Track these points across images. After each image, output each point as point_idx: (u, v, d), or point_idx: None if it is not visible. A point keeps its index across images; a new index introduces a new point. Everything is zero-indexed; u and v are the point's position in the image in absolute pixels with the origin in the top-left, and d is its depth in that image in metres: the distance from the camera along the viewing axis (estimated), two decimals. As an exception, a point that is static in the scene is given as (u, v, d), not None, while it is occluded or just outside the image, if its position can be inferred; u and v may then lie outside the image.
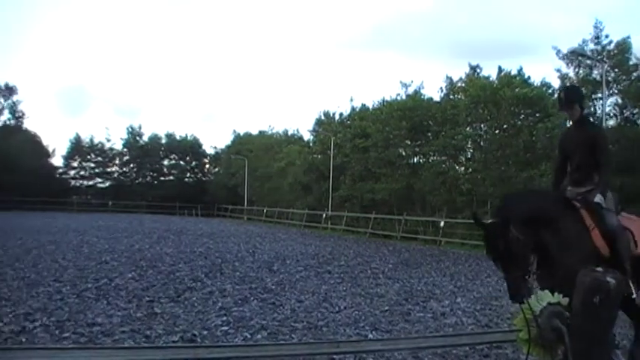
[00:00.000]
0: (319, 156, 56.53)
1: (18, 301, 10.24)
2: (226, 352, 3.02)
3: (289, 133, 78.16)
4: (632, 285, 5.88)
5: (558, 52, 33.73)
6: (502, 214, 6.07)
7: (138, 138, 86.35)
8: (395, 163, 44.66)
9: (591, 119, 7.59)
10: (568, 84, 26.33)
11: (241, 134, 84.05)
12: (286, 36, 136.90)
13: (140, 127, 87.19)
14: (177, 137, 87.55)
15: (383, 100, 52.04)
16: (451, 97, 44.05)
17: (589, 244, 5.94)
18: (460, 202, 35.96)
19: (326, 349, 3.19)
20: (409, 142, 45.75)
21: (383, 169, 44.50)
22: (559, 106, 7.16)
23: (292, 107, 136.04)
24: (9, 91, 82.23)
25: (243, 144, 78.20)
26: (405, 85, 50.04)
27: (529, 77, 39.97)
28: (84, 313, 9.52)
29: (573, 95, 6.97)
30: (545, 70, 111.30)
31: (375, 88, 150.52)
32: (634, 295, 5.86)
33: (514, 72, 40.20)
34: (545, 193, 8.03)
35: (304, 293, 12.44)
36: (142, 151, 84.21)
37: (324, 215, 44.98)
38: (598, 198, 6.25)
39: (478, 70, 43.96)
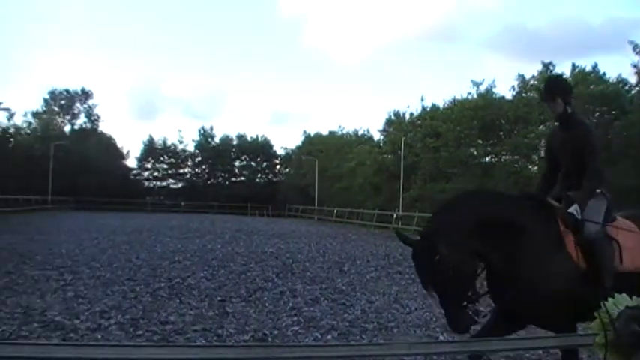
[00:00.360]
0: (389, 156, 56.38)
1: (94, 299, 10.42)
2: (296, 351, 2.98)
3: (359, 133, 78.18)
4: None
5: (635, 46, 32.74)
6: (431, 227, 5.07)
7: (209, 140, 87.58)
8: (466, 163, 44.13)
9: (578, 116, 5.85)
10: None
11: (312, 135, 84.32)
12: (356, 35, 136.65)
13: (212, 129, 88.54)
14: (249, 139, 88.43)
15: (454, 99, 51.70)
16: (523, 95, 43.37)
17: (562, 256, 5.11)
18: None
19: (396, 349, 3.12)
20: (481, 142, 45.24)
21: (454, 169, 44.02)
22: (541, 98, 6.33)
23: (362, 107, 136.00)
24: (85, 95, 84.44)
25: (313, 145, 78.45)
26: (477, 84, 49.60)
27: (604, 73, 39.01)
28: (157, 312, 9.63)
29: (554, 87, 5.97)
30: (622, 66, 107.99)
31: (446, 87, 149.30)
32: None
33: (588, 68, 39.32)
34: (500, 195, 6.63)
35: (375, 294, 12.34)
36: (214, 152, 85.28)
37: (394, 216, 44.58)
38: (573, 209, 5.38)
39: (551, 68, 43.11)
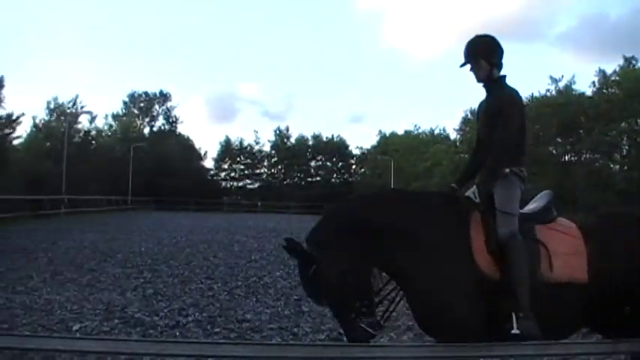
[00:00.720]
0: (466, 155, 55.68)
1: (172, 297, 10.59)
2: (376, 352, 2.96)
3: (435, 132, 77.59)
4: (514, 316, 4.21)
5: None
6: (315, 233, 4.55)
7: (285, 140, 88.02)
8: (545, 162, 43.29)
9: (505, 81, 4.88)
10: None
11: (387, 134, 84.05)
12: (432, 32, 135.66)
13: (288, 129, 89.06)
14: (324, 138, 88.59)
15: (532, 96, 50.64)
16: (604, 91, 42.30)
17: (466, 263, 4.35)
18: (615, 202, 34.35)
19: (470, 351, 3.07)
20: (559, 140, 44.31)
21: (532, 168, 43.18)
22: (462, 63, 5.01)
23: (438, 105, 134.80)
24: (163, 97, 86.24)
25: (389, 144, 78.30)
26: (555, 81, 48.60)
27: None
28: (234, 310, 9.71)
29: (475, 47, 4.94)
30: None
31: (524, 84, 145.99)
32: (514, 330, 4.17)
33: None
34: (402, 194, 5.59)
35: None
36: (290, 152, 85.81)
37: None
38: (470, 191, 4.68)
39: (633, 62, 41.92)
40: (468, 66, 4.92)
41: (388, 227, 4.46)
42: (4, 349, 3.62)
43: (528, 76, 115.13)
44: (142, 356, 5.83)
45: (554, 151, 45.76)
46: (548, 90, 49.05)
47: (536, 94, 50.76)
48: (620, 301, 4.40)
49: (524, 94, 57.82)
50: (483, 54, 4.86)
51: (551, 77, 50.20)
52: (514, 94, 4.90)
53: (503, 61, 4.99)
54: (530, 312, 4.22)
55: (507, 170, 4.68)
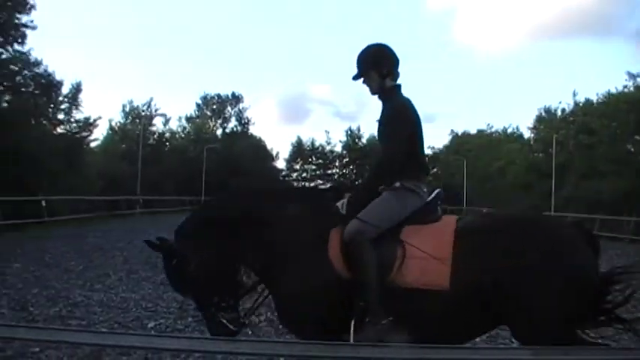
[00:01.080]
0: (540, 154, 54.94)
1: (245, 297, 10.67)
2: (462, 353, 2.91)
3: (508, 131, 76.52)
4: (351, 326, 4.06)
5: None
6: (180, 225, 4.63)
7: (357, 140, 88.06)
8: (623, 160, 42.19)
9: (397, 91, 4.75)
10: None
11: (459, 134, 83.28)
12: (504, 29, 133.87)
13: (359, 129, 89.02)
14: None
15: (608, 93, 49.40)
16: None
17: (322, 262, 4.22)
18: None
19: (546, 354, 2.98)
20: (638, 138, 43.13)
21: (609, 167, 42.15)
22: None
23: (511, 104, 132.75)
24: (235, 99, 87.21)
25: (461, 144, 77.55)
26: (633, 76, 47.20)
27: None
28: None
29: (364, 59, 4.72)
30: None
31: (600, 81, 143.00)
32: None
33: None
34: (270, 190, 5.37)
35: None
36: (361, 152, 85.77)
37: (546, 216, 42.95)
38: (340, 202, 4.47)
39: None
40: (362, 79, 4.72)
41: (250, 224, 4.45)
42: (83, 344, 3.71)
43: (604, 71, 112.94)
44: (214, 354, 5.90)
45: (632, 150, 44.65)
46: (625, 86, 47.93)
47: (613, 90, 49.83)
48: (489, 311, 4.07)
49: (600, 89, 56.60)
50: (373, 65, 4.66)
51: (628, 73, 48.98)
52: (403, 104, 4.65)
53: (399, 70, 4.76)
54: (379, 317, 4.01)
55: (397, 184, 4.49)
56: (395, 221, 4.33)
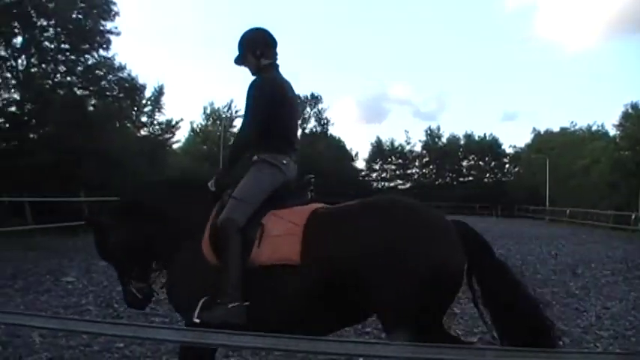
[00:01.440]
0: (627, 152, 53.34)
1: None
2: (530, 355, 2.94)
3: (593, 128, 74.74)
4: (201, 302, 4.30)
5: None
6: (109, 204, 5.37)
7: (437, 140, 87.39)
8: None
9: (269, 69, 5.05)
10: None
11: (542, 132, 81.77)
12: (587, 24, 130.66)
13: (439, 129, 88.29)
14: (476, 137, 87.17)
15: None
16: None
17: (196, 249, 4.47)
18: None
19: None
20: None
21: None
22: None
23: (596, 101, 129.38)
24: (314, 100, 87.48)
25: (543, 142, 76.13)
26: None
27: None
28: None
29: (242, 41, 5.07)
30: None
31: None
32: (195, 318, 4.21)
33: None
34: (175, 179, 6.04)
35: (611, 299, 11.73)
36: (441, 152, 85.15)
37: (632, 216, 41.78)
38: (209, 183, 4.78)
39: None
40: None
41: (149, 210, 4.87)
42: (165, 341, 3.89)
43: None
44: (295, 353, 6.04)
45: None
46: None
47: None
48: (345, 291, 4.09)
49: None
50: (248, 48, 4.99)
51: None
52: (262, 81, 4.88)
53: (278, 50, 5.13)
54: (231, 299, 4.15)
55: (255, 157, 4.75)
56: (263, 192, 4.61)
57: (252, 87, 4.81)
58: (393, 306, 4.03)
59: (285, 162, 4.80)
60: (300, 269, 4.13)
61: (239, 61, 5.09)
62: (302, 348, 3.17)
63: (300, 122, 5.26)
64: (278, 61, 5.12)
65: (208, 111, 76.50)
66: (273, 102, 4.77)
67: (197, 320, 4.16)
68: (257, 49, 4.97)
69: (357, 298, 4.11)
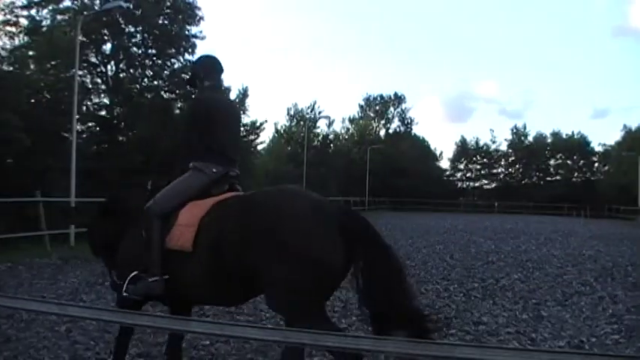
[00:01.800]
0: None
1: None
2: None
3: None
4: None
5: None
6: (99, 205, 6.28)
7: (523, 138, 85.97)
8: None
9: (207, 88, 5.96)
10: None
11: (633, 129, 79.22)
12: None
13: (525, 127, 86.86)
14: (564, 135, 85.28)
15: None
16: None
17: (136, 236, 5.29)
18: None
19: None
20: None
21: None
22: None
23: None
24: (398, 100, 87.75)
25: (635, 140, 73.64)
26: None
27: None
28: (470, 312, 9.63)
29: (192, 67, 6.28)
30: None
31: None
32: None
33: None
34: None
35: None
36: (528, 151, 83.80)
37: None
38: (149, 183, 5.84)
39: None
40: None
41: (120, 211, 5.70)
42: (250, 339, 3.92)
43: None
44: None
45: None
46: None
47: None
48: (229, 272, 4.65)
49: None
50: (196, 72, 5.83)
51: None
52: (197, 100, 5.89)
53: (222, 75, 6.03)
54: (150, 274, 4.96)
55: (190, 165, 5.41)
56: (182, 196, 5.23)
57: (189, 106, 5.77)
58: (273, 289, 4.54)
59: (215, 170, 5.38)
60: (192, 255, 4.79)
61: (187, 82, 5.98)
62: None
63: (239, 134, 6.28)
64: (221, 85, 6.20)
65: (292, 112, 77.38)
66: (206, 119, 5.42)
67: (125, 294, 5.04)
68: (201, 72, 5.75)
69: (248, 277, 4.61)
